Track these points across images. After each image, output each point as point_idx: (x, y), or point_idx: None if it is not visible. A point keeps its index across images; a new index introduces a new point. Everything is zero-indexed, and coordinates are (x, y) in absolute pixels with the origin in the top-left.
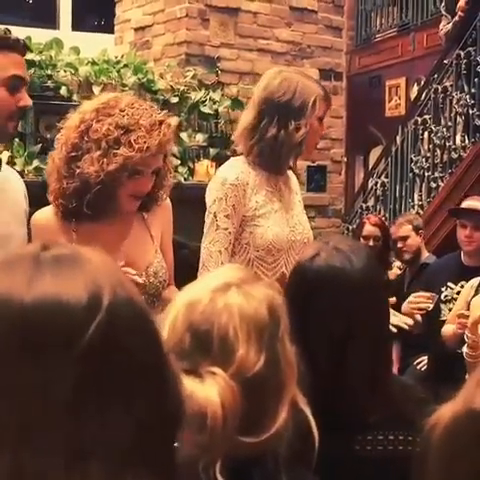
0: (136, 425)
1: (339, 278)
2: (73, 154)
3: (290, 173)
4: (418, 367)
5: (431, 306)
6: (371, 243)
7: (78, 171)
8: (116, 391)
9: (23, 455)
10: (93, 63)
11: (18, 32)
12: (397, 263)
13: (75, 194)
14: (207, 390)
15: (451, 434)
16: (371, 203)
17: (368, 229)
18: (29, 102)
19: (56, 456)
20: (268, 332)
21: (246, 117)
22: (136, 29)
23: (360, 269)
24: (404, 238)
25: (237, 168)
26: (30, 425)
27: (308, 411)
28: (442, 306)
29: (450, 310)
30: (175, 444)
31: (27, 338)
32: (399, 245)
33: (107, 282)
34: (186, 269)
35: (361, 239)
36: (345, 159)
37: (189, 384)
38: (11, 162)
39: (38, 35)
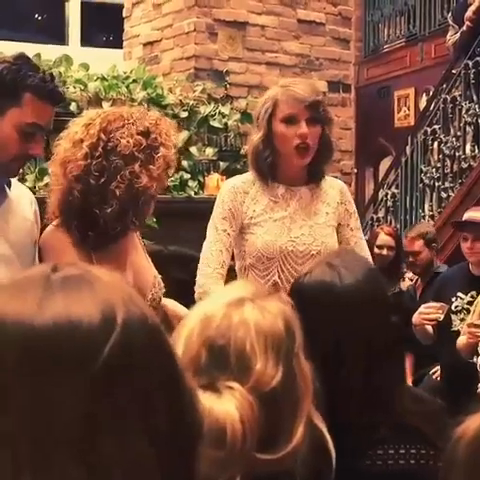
0: (154, 443)
1: (327, 294)
2: (103, 180)
3: (330, 184)
4: (434, 377)
5: (442, 317)
6: (385, 252)
7: (119, 192)
8: (133, 409)
9: (41, 477)
10: (102, 79)
11: (28, 49)
12: (409, 274)
13: (118, 216)
14: (225, 405)
15: (477, 448)
16: (382, 214)
17: (382, 238)
18: (40, 152)
19: (75, 475)
20: (284, 346)
21: None
22: (145, 44)
23: (350, 285)
24: (417, 253)
25: (239, 178)
26: (47, 447)
27: (324, 428)
28: (453, 316)
29: (461, 320)
30: (195, 461)
31: (41, 361)
32: (411, 259)
33: (119, 300)
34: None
35: (375, 248)
36: (355, 171)
37: (207, 399)
38: (22, 179)
39: (47, 51)
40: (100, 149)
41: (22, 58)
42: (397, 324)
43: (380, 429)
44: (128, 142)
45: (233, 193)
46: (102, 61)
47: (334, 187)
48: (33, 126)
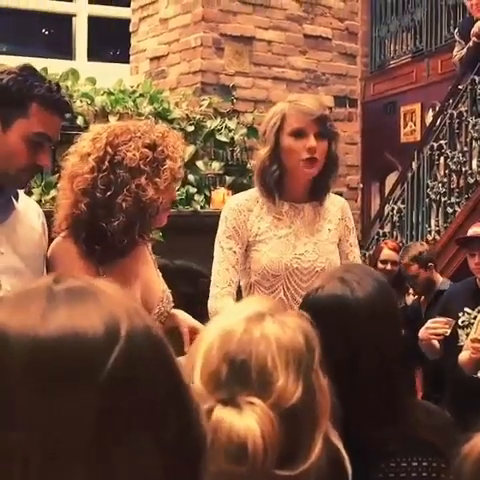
0: (161, 454)
1: (341, 308)
2: (109, 193)
3: (331, 201)
4: None
5: (448, 331)
6: (389, 267)
7: (125, 205)
8: (139, 420)
9: None
10: (109, 93)
11: (35, 63)
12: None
13: (125, 229)
14: (246, 420)
15: None
16: (388, 229)
17: (386, 253)
18: (48, 163)
19: None
20: (305, 362)
21: None
22: (151, 59)
23: (362, 299)
24: (414, 276)
25: (243, 195)
26: (54, 460)
27: (340, 445)
28: (459, 331)
29: (468, 335)
30: (200, 474)
31: (46, 373)
32: (410, 282)
33: (123, 312)
34: (205, 297)
35: (379, 263)
36: (361, 185)
37: (227, 414)
38: (28, 192)
39: (54, 66)
40: (107, 162)
41: (28, 69)
42: (407, 338)
43: (392, 442)
44: (134, 155)
45: (236, 211)
46: (109, 76)
47: (335, 204)
48: (41, 136)
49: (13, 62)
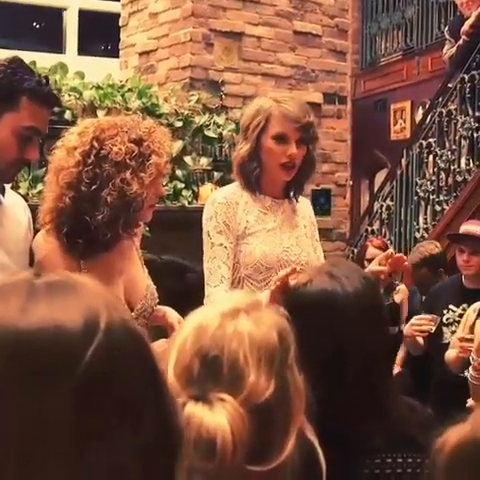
0: (138, 448)
1: (331, 303)
2: (94, 187)
3: (300, 200)
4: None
5: (433, 329)
6: None
7: (110, 199)
8: (117, 414)
9: None
10: (97, 87)
11: (24, 56)
12: (402, 286)
13: (110, 223)
14: (216, 417)
15: (456, 460)
16: (376, 226)
17: (372, 252)
18: (36, 156)
19: None
20: (278, 359)
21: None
22: (141, 53)
23: (352, 294)
24: (421, 279)
25: (228, 189)
26: (31, 455)
27: (315, 441)
28: (444, 329)
29: (452, 333)
30: (175, 468)
31: (23, 366)
32: (416, 284)
33: (103, 306)
34: (192, 293)
35: (365, 262)
36: (351, 182)
37: (198, 410)
38: (15, 186)
39: (45, 60)
40: (92, 156)
41: (16, 62)
42: (392, 333)
43: (378, 436)
44: (120, 149)
45: (225, 205)
46: (99, 70)
47: (303, 201)
48: (30, 130)
49: (3, 55)
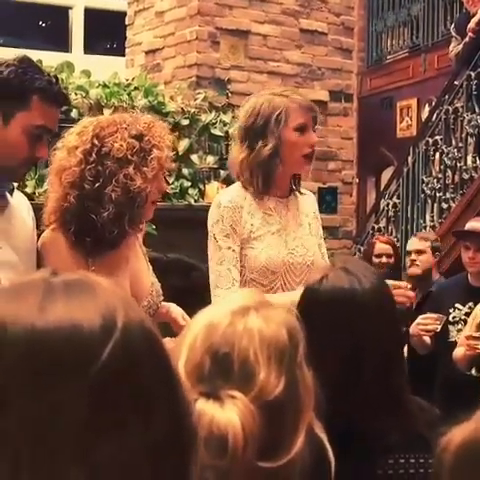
0: (150, 447)
1: (348, 299)
2: (98, 184)
3: (305, 195)
4: None
5: (439, 327)
6: (384, 259)
7: (114, 195)
8: (131, 412)
9: (38, 477)
10: (104, 86)
11: (30, 55)
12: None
13: (115, 220)
14: (227, 413)
15: (461, 459)
16: (383, 224)
17: (380, 247)
18: (46, 155)
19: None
20: (288, 356)
21: (232, 150)
22: (147, 52)
23: (370, 289)
24: (420, 252)
25: (232, 192)
26: (45, 450)
27: (324, 438)
28: (450, 327)
29: (458, 331)
30: (190, 468)
31: (41, 363)
32: (412, 257)
33: (119, 305)
34: (198, 291)
35: (373, 258)
36: (357, 180)
37: (209, 407)
38: (22, 185)
39: (51, 58)
40: (94, 154)
41: (26, 61)
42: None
43: (393, 434)
44: (121, 146)
45: (231, 209)
46: (105, 69)
47: (308, 195)
48: (41, 129)
49: (9, 54)
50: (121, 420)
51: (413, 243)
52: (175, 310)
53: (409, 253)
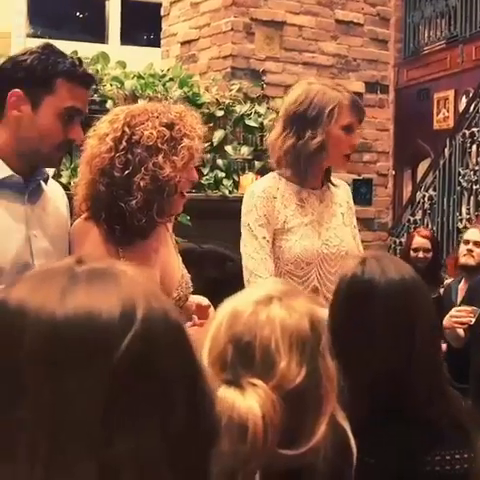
0: (170, 439)
1: (404, 290)
2: (127, 172)
3: (339, 186)
4: None
5: (473, 320)
6: (421, 255)
7: (143, 183)
8: (150, 405)
9: (54, 469)
10: (139, 77)
11: (66, 46)
12: (448, 281)
13: (144, 208)
14: (248, 401)
15: None
16: (419, 216)
17: (418, 241)
18: (80, 135)
19: (88, 470)
20: (309, 345)
21: (274, 131)
22: (182, 43)
23: (418, 279)
24: (478, 244)
25: (265, 182)
26: (62, 439)
27: (347, 426)
28: None
29: None
30: (209, 462)
31: (59, 351)
32: (470, 247)
33: (141, 295)
34: (232, 281)
35: (411, 252)
36: (393, 172)
37: (231, 395)
38: (57, 175)
39: (87, 49)
40: (124, 142)
41: (48, 47)
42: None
43: (441, 422)
44: (152, 134)
45: (265, 199)
46: (141, 60)
47: (340, 186)
48: (71, 110)
49: None
50: (138, 409)
51: (473, 233)
52: (198, 299)
53: (467, 242)
